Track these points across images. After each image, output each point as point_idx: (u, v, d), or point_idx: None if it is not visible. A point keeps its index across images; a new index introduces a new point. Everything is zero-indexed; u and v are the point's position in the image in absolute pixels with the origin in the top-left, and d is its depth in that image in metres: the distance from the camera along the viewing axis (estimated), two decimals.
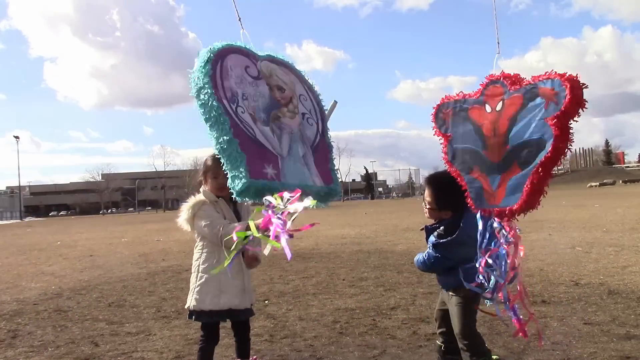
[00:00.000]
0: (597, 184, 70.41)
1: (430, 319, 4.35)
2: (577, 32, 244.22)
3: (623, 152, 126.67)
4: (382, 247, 10.75)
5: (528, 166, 2.43)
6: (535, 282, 6.25)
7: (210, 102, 2.27)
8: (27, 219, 72.76)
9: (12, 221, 66.50)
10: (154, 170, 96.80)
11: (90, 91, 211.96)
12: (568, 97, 2.28)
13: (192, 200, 3.24)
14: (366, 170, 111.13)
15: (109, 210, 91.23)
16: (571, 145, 2.36)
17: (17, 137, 76.95)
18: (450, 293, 3.22)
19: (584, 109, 2.31)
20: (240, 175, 2.27)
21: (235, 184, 2.29)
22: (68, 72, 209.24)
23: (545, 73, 2.42)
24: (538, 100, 2.41)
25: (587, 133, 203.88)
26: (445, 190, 3.07)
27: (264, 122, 2.45)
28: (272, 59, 2.67)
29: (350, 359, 3.83)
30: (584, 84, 2.30)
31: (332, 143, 2.80)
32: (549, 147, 2.35)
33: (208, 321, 3.23)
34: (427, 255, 3.21)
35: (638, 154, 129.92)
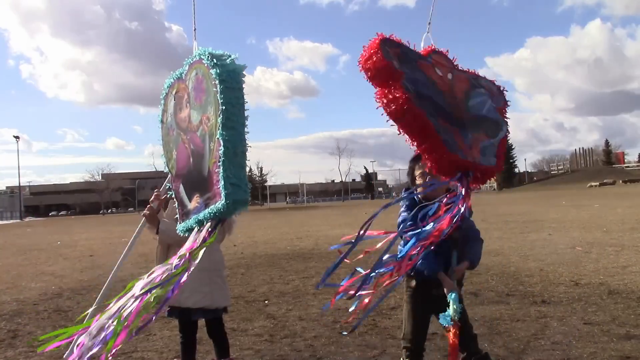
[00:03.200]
0: (597, 184, 70.31)
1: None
2: (566, 29, 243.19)
3: (623, 152, 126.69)
4: (382, 247, 10.75)
5: (494, 138, 2.72)
6: (535, 282, 6.25)
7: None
8: (27, 219, 72.78)
9: (12, 221, 66.47)
10: (154, 170, 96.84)
11: (80, 89, 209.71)
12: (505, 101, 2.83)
13: None
14: (366, 170, 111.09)
15: (109, 210, 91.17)
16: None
17: (17, 137, 77.09)
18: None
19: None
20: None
21: None
22: (55, 71, 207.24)
23: (477, 73, 2.87)
24: (482, 90, 2.80)
25: (585, 132, 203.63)
26: None
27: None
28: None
29: (350, 359, 3.84)
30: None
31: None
32: (505, 130, 2.79)
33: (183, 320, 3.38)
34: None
35: (638, 153, 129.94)
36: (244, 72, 2.45)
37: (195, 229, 2.72)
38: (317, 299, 5.90)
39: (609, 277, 6.30)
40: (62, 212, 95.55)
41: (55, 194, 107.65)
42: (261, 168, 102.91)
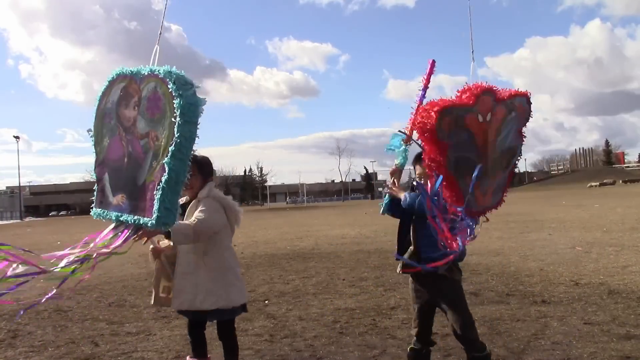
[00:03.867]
0: (597, 184, 70.26)
1: None
2: (566, 29, 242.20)
3: (623, 152, 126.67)
4: (382, 247, 10.74)
5: (507, 170, 2.92)
6: (535, 282, 6.25)
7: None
8: (27, 219, 72.76)
9: (12, 221, 66.46)
10: None
11: (80, 89, 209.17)
12: (531, 112, 3.00)
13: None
14: (366, 170, 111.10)
15: None
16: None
17: (17, 137, 77.04)
18: (443, 274, 2.92)
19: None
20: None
21: None
22: (54, 71, 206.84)
23: (513, 90, 2.95)
24: (513, 114, 2.91)
25: (585, 132, 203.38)
26: None
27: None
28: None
29: (350, 359, 3.84)
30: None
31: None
32: (519, 151, 2.96)
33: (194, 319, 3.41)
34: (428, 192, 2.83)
35: (638, 153, 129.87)
36: (202, 108, 2.56)
37: (113, 224, 2.83)
38: (317, 299, 5.90)
39: (609, 277, 6.30)
40: (62, 212, 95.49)
41: (55, 194, 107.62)
42: (261, 168, 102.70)
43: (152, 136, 2.62)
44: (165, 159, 2.50)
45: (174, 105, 2.46)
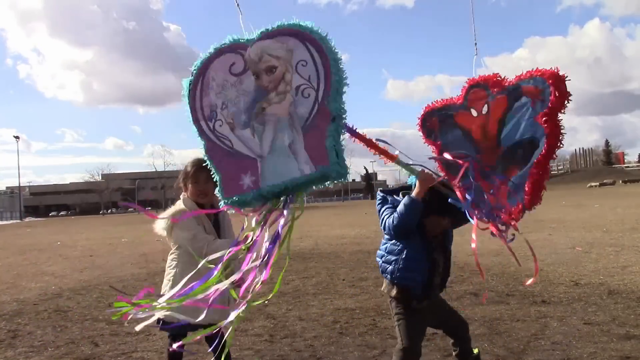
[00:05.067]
0: (597, 184, 70.26)
1: None
2: (565, 29, 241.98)
3: (623, 152, 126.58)
4: None
5: (525, 165, 2.49)
6: (535, 282, 6.25)
7: (192, 127, 2.45)
8: (27, 219, 72.74)
9: (12, 221, 66.41)
10: (154, 170, 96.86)
11: (79, 89, 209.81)
12: (553, 93, 2.34)
13: (171, 209, 3.18)
14: (366, 170, 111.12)
15: (109, 211, 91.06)
16: (563, 140, 2.42)
17: (17, 137, 77.03)
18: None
19: (569, 101, 2.36)
20: (219, 194, 2.44)
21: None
22: (53, 71, 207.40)
23: (528, 72, 2.45)
24: (523, 99, 2.47)
25: (585, 132, 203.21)
26: None
27: (245, 124, 2.44)
28: (266, 35, 2.47)
29: (350, 359, 3.84)
30: (566, 77, 2.35)
31: (342, 105, 2.31)
32: (542, 145, 2.41)
33: (175, 332, 3.13)
34: None
35: (638, 154, 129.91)
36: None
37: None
38: (317, 299, 5.90)
39: (609, 277, 6.30)
40: (62, 213, 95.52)
41: (55, 194, 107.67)
42: None
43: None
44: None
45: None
